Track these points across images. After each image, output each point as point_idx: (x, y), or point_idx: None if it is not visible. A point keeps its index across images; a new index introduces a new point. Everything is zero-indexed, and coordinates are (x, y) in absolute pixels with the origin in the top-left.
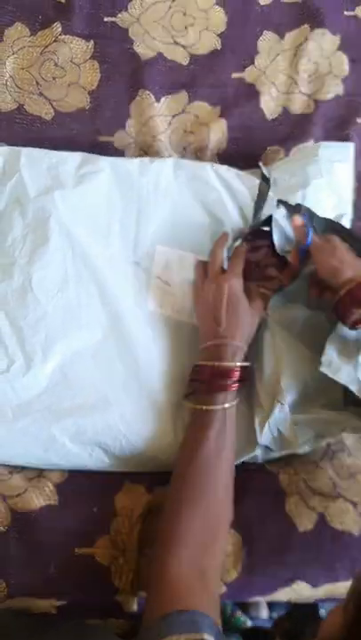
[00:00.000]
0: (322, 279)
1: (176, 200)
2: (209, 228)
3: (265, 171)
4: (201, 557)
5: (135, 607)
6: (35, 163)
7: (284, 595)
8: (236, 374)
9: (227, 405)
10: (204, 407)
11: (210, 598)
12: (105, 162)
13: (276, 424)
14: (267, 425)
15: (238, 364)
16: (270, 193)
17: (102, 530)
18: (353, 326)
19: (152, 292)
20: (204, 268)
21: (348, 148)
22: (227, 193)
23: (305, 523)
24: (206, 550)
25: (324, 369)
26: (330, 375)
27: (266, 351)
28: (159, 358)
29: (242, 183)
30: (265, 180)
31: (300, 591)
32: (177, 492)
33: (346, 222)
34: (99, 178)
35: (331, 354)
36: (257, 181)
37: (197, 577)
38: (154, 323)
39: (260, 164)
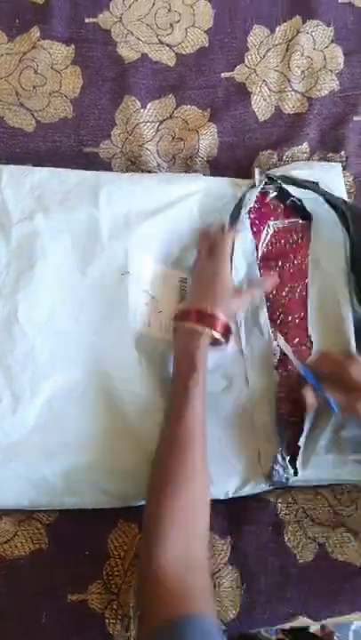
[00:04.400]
0: None
1: (166, 216)
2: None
3: (257, 176)
4: (185, 541)
5: None
6: (17, 182)
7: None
8: (220, 323)
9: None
10: (194, 326)
11: (203, 588)
12: (92, 177)
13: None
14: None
15: (223, 319)
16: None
17: (95, 574)
18: None
19: (140, 308)
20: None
21: (337, 168)
22: (219, 205)
23: (305, 554)
24: (193, 531)
25: None
26: None
27: None
28: (143, 390)
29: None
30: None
31: (301, 623)
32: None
33: None
34: (84, 195)
35: None
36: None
37: (184, 565)
38: (141, 349)
39: (256, 169)
